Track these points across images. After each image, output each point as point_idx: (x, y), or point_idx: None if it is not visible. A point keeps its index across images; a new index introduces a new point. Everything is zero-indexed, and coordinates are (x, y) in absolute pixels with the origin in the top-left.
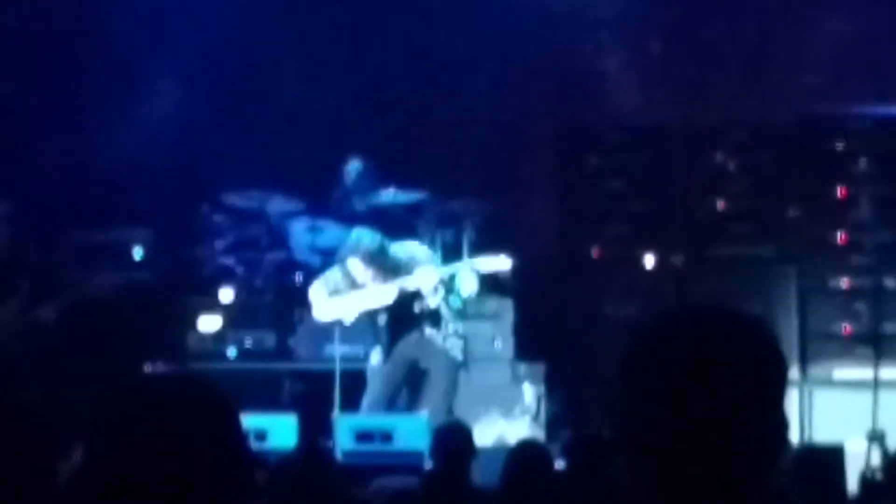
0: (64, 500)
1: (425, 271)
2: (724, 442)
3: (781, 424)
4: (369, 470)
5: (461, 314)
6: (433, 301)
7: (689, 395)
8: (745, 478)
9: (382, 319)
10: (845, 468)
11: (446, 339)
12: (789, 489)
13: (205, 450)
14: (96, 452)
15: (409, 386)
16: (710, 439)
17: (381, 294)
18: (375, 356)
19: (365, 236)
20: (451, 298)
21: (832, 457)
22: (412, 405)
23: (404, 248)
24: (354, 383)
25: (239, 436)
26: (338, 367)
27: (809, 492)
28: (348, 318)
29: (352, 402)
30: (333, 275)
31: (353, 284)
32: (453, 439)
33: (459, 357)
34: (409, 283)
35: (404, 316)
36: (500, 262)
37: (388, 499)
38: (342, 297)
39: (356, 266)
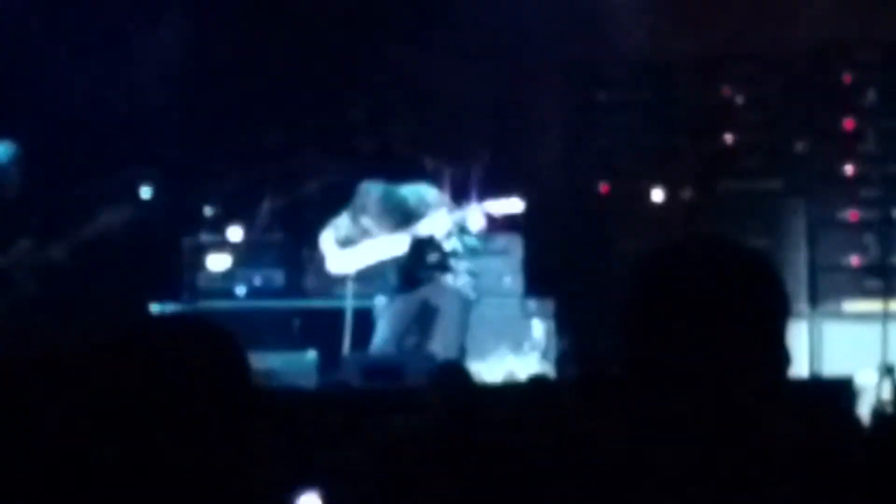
0: (70, 438)
1: (437, 217)
2: (727, 374)
3: (784, 357)
4: (378, 407)
5: (474, 252)
6: (447, 245)
7: (691, 327)
8: (747, 409)
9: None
10: (856, 400)
11: (457, 276)
12: (794, 422)
13: (209, 387)
14: (101, 392)
15: (419, 324)
16: (712, 371)
17: (393, 243)
18: (381, 300)
19: (373, 190)
20: (466, 238)
21: (840, 389)
22: (422, 343)
23: (414, 193)
24: (364, 321)
25: (244, 373)
26: (350, 305)
27: (816, 424)
28: (361, 267)
29: (362, 340)
30: (343, 222)
31: (366, 234)
32: (450, 377)
33: (471, 295)
34: (422, 229)
35: (417, 258)
36: (513, 205)
37: (393, 437)
38: (355, 247)
39: (369, 221)
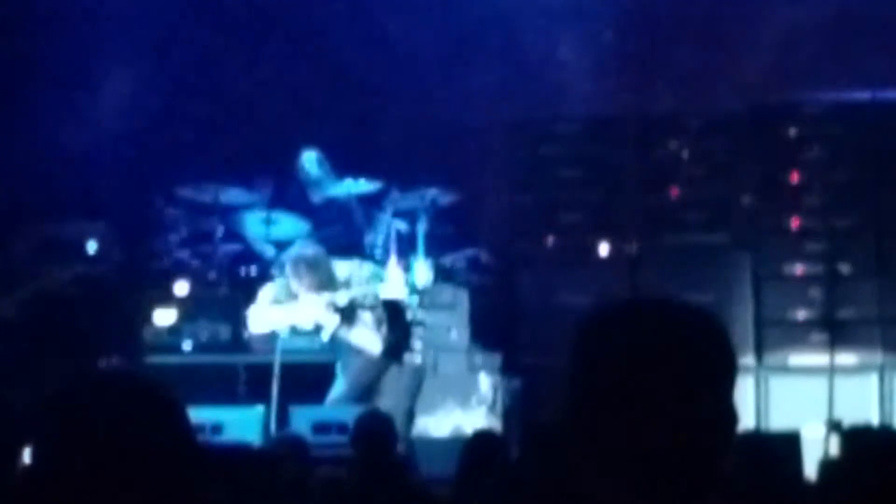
0: (17, 494)
1: (351, 293)
2: (672, 432)
3: (730, 416)
4: (325, 461)
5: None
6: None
7: (635, 385)
8: (693, 467)
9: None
10: (801, 455)
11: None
12: (741, 477)
13: (149, 446)
14: (42, 449)
15: (373, 383)
16: (656, 430)
17: (308, 308)
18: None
19: (305, 247)
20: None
21: (786, 444)
22: (373, 401)
23: (344, 268)
24: (310, 375)
25: (184, 430)
26: (277, 359)
27: (762, 480)
28: (275, 328)
29: (308, 395)
30: (280, 281)
31: (290, 293)
32: (373, 426)
33: (419, 361)
34: (339, 298)
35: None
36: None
37: (322, 487)
38: (277, 306)
39: (290, 273)
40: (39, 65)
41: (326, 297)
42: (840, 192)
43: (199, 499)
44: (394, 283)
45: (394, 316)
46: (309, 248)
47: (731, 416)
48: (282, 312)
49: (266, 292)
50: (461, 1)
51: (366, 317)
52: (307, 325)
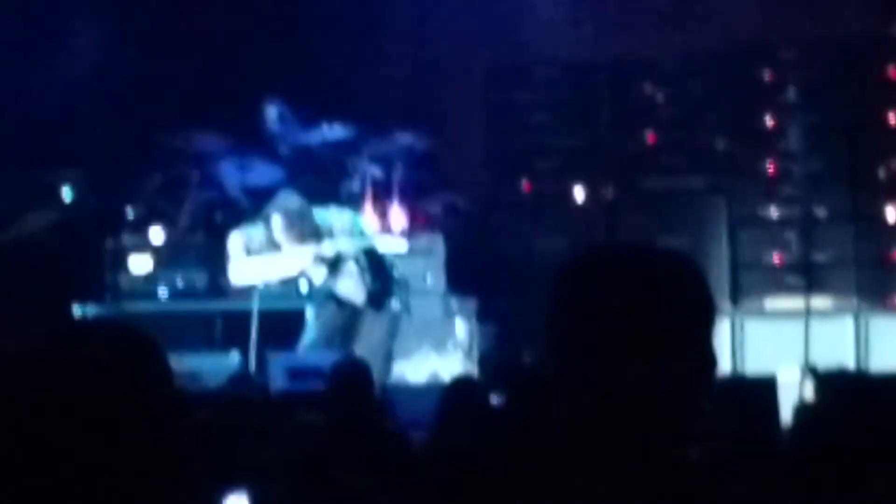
0: None
1: (343, 240)
2: (651, 378)
3: (709, 360)
4: (301, 408)
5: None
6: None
7: (613, 331)
8: (671, 413)
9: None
10: (777, 399)
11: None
12: (718, 422)
13: (130, 393)
14: (20, 397)
15: (347, 329)
16: (636, 376)
17: (294, 260)
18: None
19: (289, 198)
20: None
21: (763, 388)
22: (348, 347)
23: (325, 217)
24: (288, 321)
25: (165, 377)
26: (255, 307)
27: (739, 424)
28: (260, 281)
29: (285, 341)
30: (254, 231)
31: (272, 244)
32: (349, 373)
33: (398, 306)
34: (325, 249)
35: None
36: (397, 244)
37: (298, 433)
38: (258, 257)
39: (276, 224)
40: (14, 10)
41: (312, 248)
42: (815, 135)
43: (183, 446)
44: (388, 237)
45: (376, 264)
46: (294, 199)
47: (710, 360)
48: (266, 265)
49: (236, 241)
50: None
51: (350, 267)
52: (292, 276)
